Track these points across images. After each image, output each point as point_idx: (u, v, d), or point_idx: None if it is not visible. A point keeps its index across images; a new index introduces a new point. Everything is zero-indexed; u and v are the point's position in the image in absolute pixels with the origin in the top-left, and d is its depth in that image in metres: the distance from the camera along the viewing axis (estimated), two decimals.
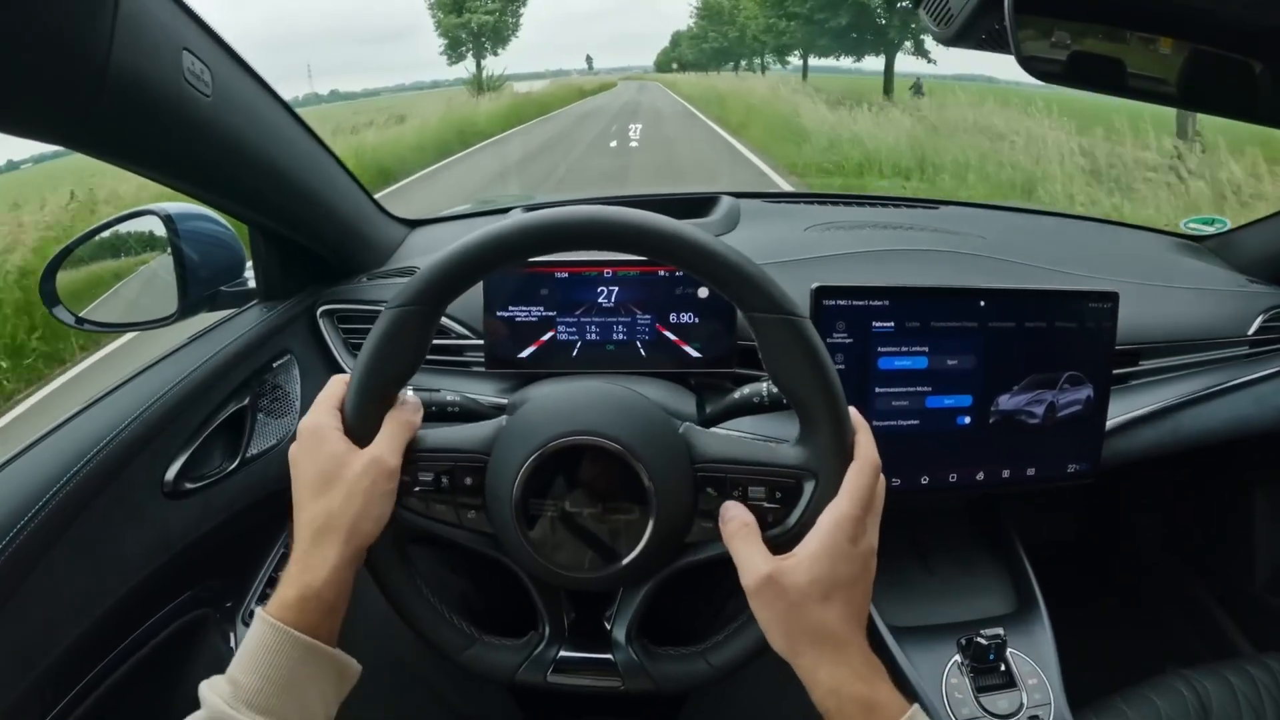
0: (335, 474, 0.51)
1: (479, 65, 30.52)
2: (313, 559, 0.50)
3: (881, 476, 0.53)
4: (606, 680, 0.57)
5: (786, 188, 7.94)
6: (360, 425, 0.52)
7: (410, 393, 0.63)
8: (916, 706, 0.48)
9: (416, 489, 0.54)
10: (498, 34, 31.80)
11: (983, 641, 0.79)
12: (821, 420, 0.51)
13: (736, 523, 0.51)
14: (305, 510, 0.51)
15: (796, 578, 0.48)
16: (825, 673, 0.48)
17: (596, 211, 0.50)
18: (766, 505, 0.52)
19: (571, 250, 0.52)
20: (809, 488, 0.52)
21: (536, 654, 0.58)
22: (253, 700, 0.46)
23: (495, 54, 31.37)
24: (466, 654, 0.57)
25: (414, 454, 0.54)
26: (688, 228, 0.50)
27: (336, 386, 0.54)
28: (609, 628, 0.59)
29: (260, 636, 0.48)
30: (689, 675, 0.56)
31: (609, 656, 0.57)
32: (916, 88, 16.21)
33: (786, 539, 0.51)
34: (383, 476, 0.51)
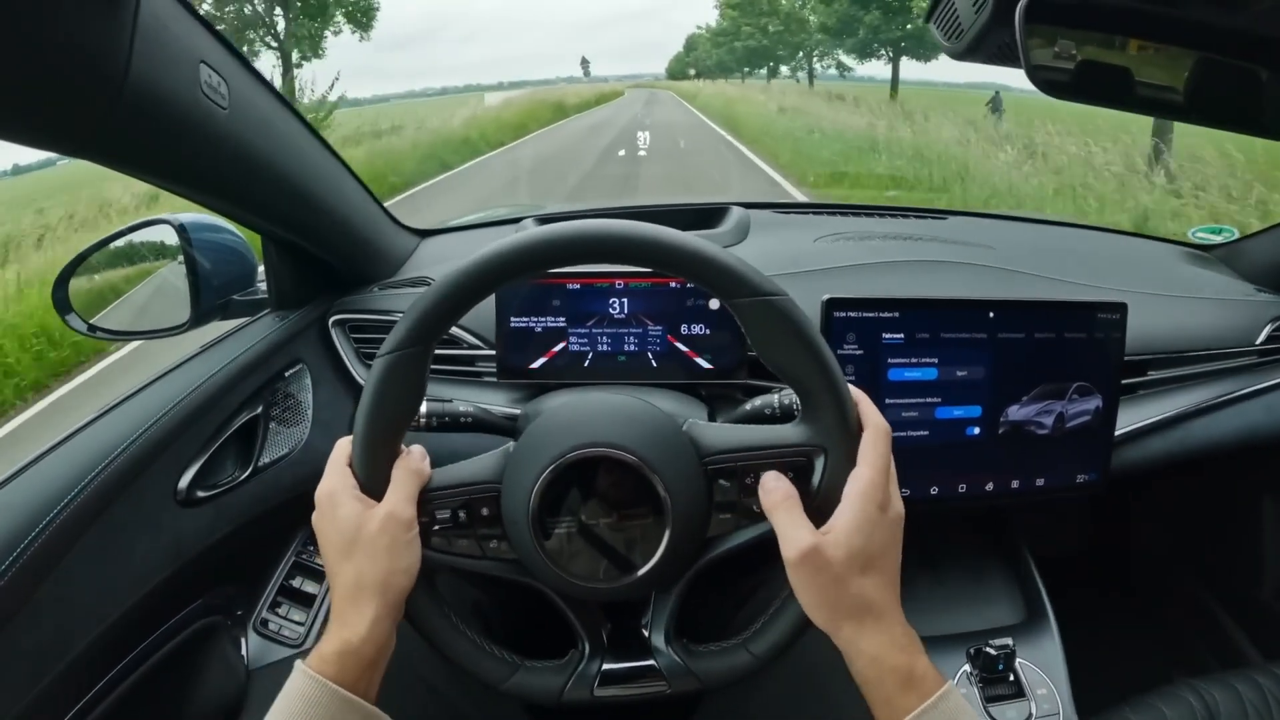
0: (354, 536, 0.51)
1: (286, 73, 14.71)
2: (350, 616, 0.50)
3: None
4: (652, 686, 0.57)
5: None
6: (371, 478, 0.53)
7: (424, 407, 0.63)
8: (952, 683, 0.49)
9: (436, 528, 0.54)
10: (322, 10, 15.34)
11: (992, 651, 0.79)
12: (821, 394, 0.51)
13: (779, 493, 0.51)
14: (337, 573, 0.52)
15: (837, 552, 0.49)
16: (867, 642, 0.49)
17: (567, 228, 0.50)
18: None
19: (549, 269, 0.52)
20: (819, 463, 0.52)
21: (580, 671, 0.58)
22: None
23: (326, 40, 15.75)
24: (510, 682, 0.57)
25: (427, 494, 0.54)
26: (659, 228, 0.51)
27: (343, 447, 0.55)
28: (647, 634, 0.59)
29: (299, 689, 0.48)
30: (733, 668, 0.56)
31: (652, 663, 0.57)
32: (995, 103, 12.28)
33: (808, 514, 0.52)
34: (400, 529, 0.51)
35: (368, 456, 0.53)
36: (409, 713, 0.68)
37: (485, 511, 0.54)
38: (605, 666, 0.58)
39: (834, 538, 0.49)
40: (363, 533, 0.51)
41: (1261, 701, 0.90)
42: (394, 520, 0.51)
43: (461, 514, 0.54)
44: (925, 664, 0.49)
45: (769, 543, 0.54)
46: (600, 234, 0.50)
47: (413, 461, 0.54)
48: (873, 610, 0.49)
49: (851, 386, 0.53)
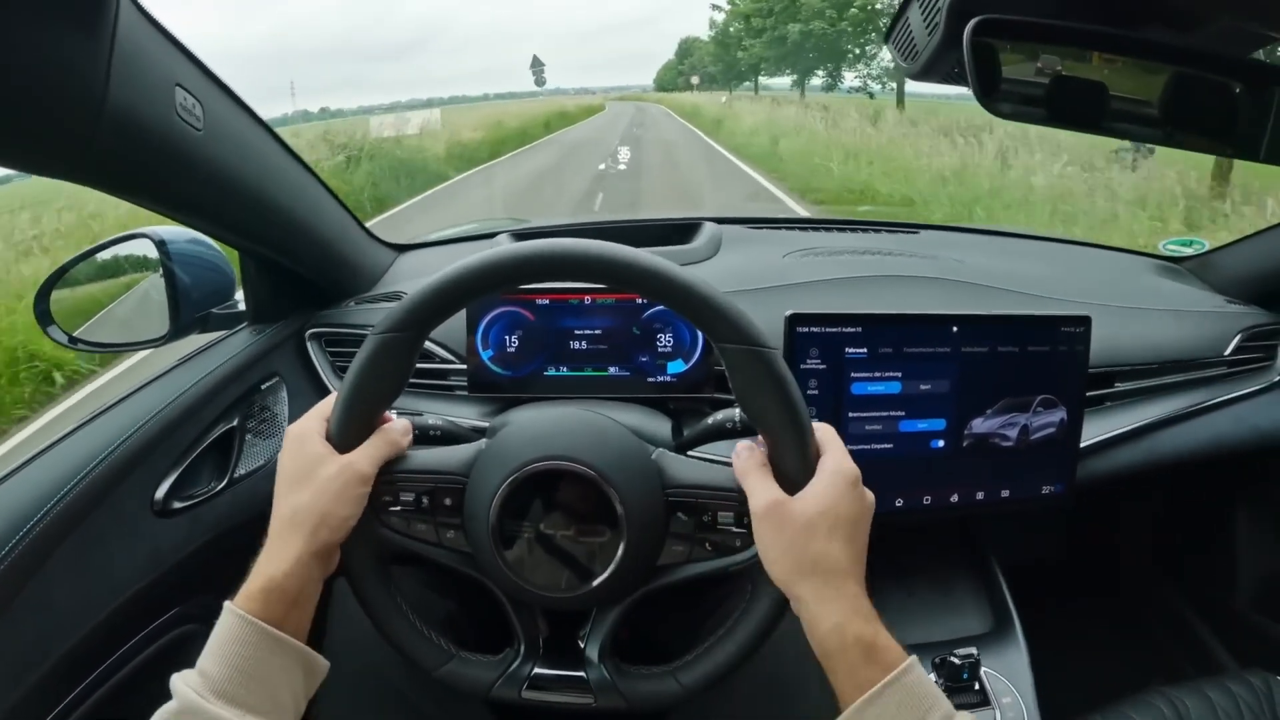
0: (310, 472, 0.53)
1: None
2: (276, 550, 0.51)
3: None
4: (579, 697, 0.59)
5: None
6: (341, 441, 0.54)
7: (395, 415, 0.64)
8: (915, 658, 0.48)
9: (397, 508, 0.56)
10: None
11: (956, 660, 0.80)
12: (789, 447, 0.53)
13: (752, 460, 0.53)
14: (278, 506, 0.53)
15: (805, 507, 0.50)
16: (827, 607, 0.49)
17: (576, 245, 0.52)
18: (735, 530, 0.54)
19: (551, 281, 0.54)
20: None
21: (511, 671, 0.59)
22: (222, 690, 0.47)
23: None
24: (443, 670, 0.58)
25: (395, 474, 0.56)
26: (663, 262, 0.52)
27: (329, 401, 0.57)
28: (583, 646, 0.60)
29: (227, 627, 0.49)
30: (659, 693, 0.58)
31: (582, 674, 0.59)
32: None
33: (752, 564, 0.53)
34: (354, 480, 0.53)
35: (345, 423, 0.54)
36: (376, 717, 0.70)
37: (448, 502, 0.56)
38: (536, 671, 0.59)
39: (802, 495, 0.51)
40: (318, 471, 0.52)
41: (1234, 708, 0.90)
42: (351, 470, 0.53)
43: (424, 499, 0.56)
44: (888, 637, 0.49)
45: (722, 576, 0.55)
46: (606, 258, 0.52)
47: (393, 433, 0.56)
48: (836, 572, 0.49)
49: (822, 425, 0.54)
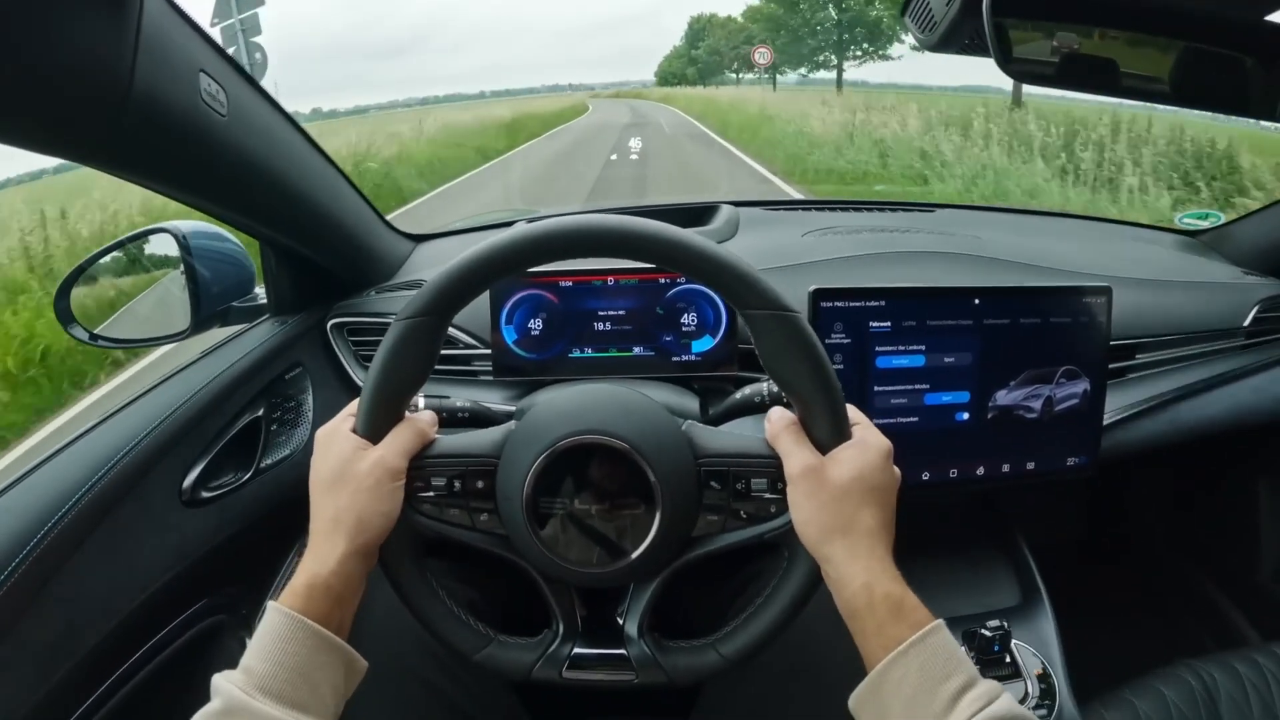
0: (342, 473, 0.53)
1: None
2: (321, 549, 0.52)
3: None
4: (620, 674, 0.58)
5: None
6: (369, 432, 0.54)
7: (422, 402, 0.65)
8: (942, 621, 0.48)
9: (430, 494, 0.55)
10: None
11: (987, 633, 0.80)
12: (821, 411, 0.53)
13: (783, 422, 0.54)
14: (317, 508, 0.54)
15: (840, 471, 0.51)
16: (856, 565, 0.49)
17: (595, 219, 0.52)
18: (768, 496, 0.54)
19: (572, 258, 0.54)
20: None
21: (551, 651, 0.59)
22: (267, 686, 0.46)
23: None
24: (482, 654, 0.58)
25: (426, 460, 0.56)
26: (683, 232, 0.52)
27: (356, 401, 0.57)
28: (621, 623, 0.60)
29: (273, 624, 0.49)
30: (701, 666, 0.57)
31: (622, 651, 0.59)
32: None
33: (788, 530, 0.53)
34: (386, 476, 0.53)
35: (372, 411, 0.54)
36: (403, 707, 0.70)
37: (480, 484, 0.56)
38: (576, 650, 0.59)
39: (838, 460, 0.51)
40: (350, 469, 0.53)
41: (1261, 681, 0.90)
42: (382, 466, 0.53)
43: (456, 483, 0.56)
44: (915, 599, 0.49)
45: (756, 545, 0.55)
46: (627, 231, 0.52)
47: (419, 423, 0.56)
48: (866, 534, 0.50)
49: (850, 407, 0.54)
